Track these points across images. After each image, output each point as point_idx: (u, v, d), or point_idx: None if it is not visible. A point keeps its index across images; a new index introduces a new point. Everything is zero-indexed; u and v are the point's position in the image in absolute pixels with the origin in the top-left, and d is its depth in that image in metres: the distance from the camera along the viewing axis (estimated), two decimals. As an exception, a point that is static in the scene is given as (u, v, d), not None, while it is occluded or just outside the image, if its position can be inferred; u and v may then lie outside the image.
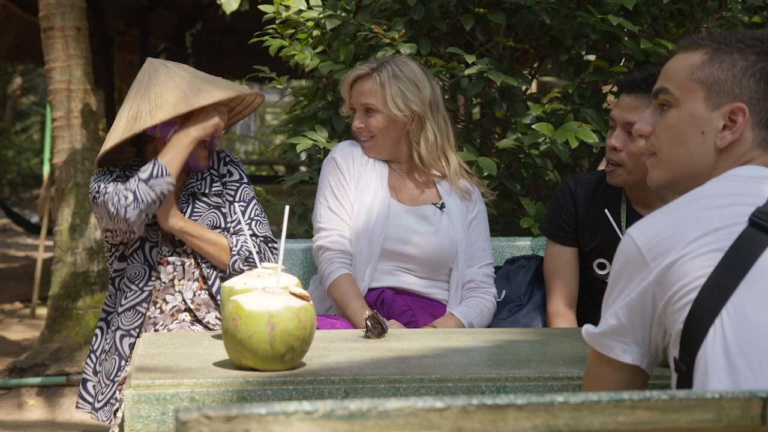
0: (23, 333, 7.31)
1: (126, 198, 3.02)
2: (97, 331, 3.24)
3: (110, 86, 11.24)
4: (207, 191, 3.24)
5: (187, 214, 3.19)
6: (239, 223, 3.22)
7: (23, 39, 10.70)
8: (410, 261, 3.24)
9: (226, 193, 3.26)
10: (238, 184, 3.29)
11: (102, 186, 3.12)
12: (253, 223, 3.25)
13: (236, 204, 3.20)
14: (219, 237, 3.18)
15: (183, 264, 3.20)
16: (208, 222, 3.21)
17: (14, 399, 5.60)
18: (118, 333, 3.14)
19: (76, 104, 5.99)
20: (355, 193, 3.26)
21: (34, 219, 13.35)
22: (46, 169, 9.02)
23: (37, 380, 5.75)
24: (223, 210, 3.24)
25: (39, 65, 12.50)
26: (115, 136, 3.08)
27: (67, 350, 5.92)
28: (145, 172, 3.04)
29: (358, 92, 3.28)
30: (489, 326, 3.27)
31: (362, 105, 3.27)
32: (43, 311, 7.22)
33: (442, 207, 3.30)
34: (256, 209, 3.29)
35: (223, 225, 3.23)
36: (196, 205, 3.22)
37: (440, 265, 3.26)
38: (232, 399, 2.05)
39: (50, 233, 6.94)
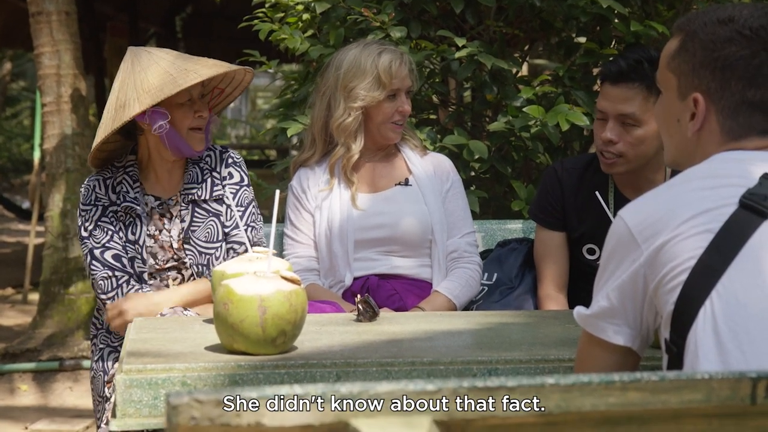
0: (15, 318, 7.30)
1: (103, 295, 3.06)
2: (93, 347, 3.19)
3: (100, 71, 11.21)
4: (207, 197, 3.16)
5: (187, 222, 3.12)
6: (236, 227, 3.16)
7: (12, 24, 10.65)
8: (386, 243, 3.25)
9: (225, 195, 3.17)
10: (237, 187, 3.19)
11: (85, 230, 3.10)
12: (248, 229, 3.17)
13: (234, 208, 3.16)
14: (204, 285, 3.08)
15: (181, 274, 3.15)
16: (206, 233, 3.13)
17: (6, 384, 5.60)
18: (107, 350, 3.11)
19: (65, 89, 5.97)
20: (314, 206, 3.29)
21: (25, 205, 13.31)
22: (36, 155, 9.00)
23: (30, 365, 5.75)
24: (222, 218, 3.16)
25: (28, 50, 12.45)
26: (104, 129, 3.01)
27: (59, 335, 5.92)
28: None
29: (402, 75, 3.26)
30: (480, 308, 3.27)
31: (408, 88, 3.28)
32: (35, 297, 7.21)
33: (406, 183, 3.32)
34: (253, 215, 3.21)
35: (220, 237, 3.15)
36: (196, 213, 3.14)
37: (417, 240, 3.26)
38: (224, 383, 2.05)
39: (41, 219, 6.93)
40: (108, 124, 3.01)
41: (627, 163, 3.09)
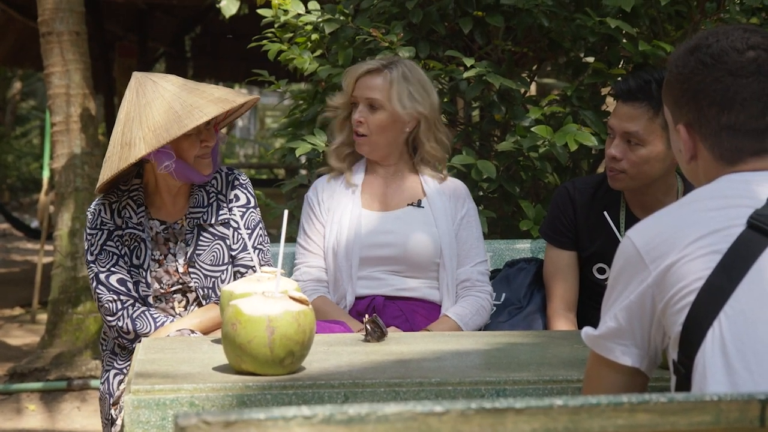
0: (23, 338, 7.31)
1: (110, 317, 3.07)
2: (101, 369, 3.21)
3: (110, 91, 11.25)
4: (213, 221, 3.15)
5: (192, 246, 3.12)
6: (244, 250, 3.17)
7: (22, 44, 10.70)
8: (392, 262, 3.24)
9: (231, 218, 3.16)
10: (244, 209, 3.18)
11: (91, 254, 3.09)
12: (256, 252, 3.16)
13: (242, 231, 3.11)
14: (213, 310, 3.09)
15: (186, 297, 3.16)
16: (212, 257, 3.13)
17: (14, 404, 5.60)
18: (112, 372, 3.12)
19: (75, 109, 6.00)
20: (326, 219, 3.30)
21: (34, 224, 13.34)
22: (45, 174, 9.03)
23: (38, 385, 5.74)
24: (228, 241, 3.16)
25: (38, 70, 12.47)
26: (110, 167, 2.99)
27: (67, 355, 5.92)
28: (142, 327, 3.04)
29: (364, 86, 3.26)
30: (488, 329, 3.27)
31: (367, 99, 3.26)
32: (43, 316, 7.22)
33: (419, 204, 3.31)
34: (260, 237, 3.20)
35: (226, 260, 3.15)
36: (201, 237, 3.13)
37: (423, 262, 3.25)
38: (232, 404, 2.05)
39: (50, 238, 6.94)
40: (114, 162, 2.99)
41: (630, 180, 3.11)
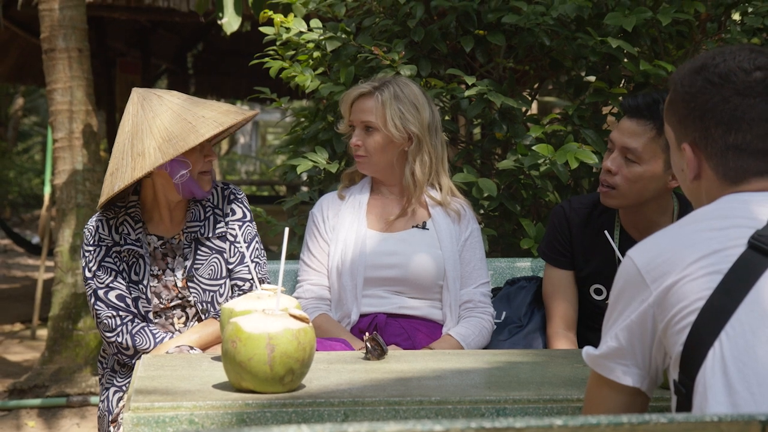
0: (23, 354, 7.30)
1: (109, 333, 3.07)
2: (101, 386, 3.21)
3: (112, 107, 11.26)
4: (210, 235, 3.17)
5: (191, 261, 3.13)
6: (240, 263, 3.18)
7: (25, 60, 10.73)
8: (396, 283, 3.25)
9: (228, 232, 3.19)
10: (240, 223, 3.20)
11: (89, 271, 3.09)
12: (252, 265, 3.16)
13: (239, 244, 3.07)
14: (212, 326, 3.10)
15: (185, 312, 3.17)
16: (210, 271, 3.15)
17: (14, 421, 5.59)
18: (112, 389, 3.12)
19: (77, 125, 6.00)
20: (331, 237, 3.30)
21: (35, 239, 13.34)
22: (47, 190, 9.03)
23: (37, 401, 5.73)
24: (225, 255, 3.18)
25: (41, 86, 12.51)
26: (122, 178, 2.97)
27: (67, 371, 5.91)
28: (142, 343, 3.05)
29: (358, 109, 3.29)
30: (488, 347, 3.26)
31: (362, 123, 3.28)
32: (43, 332, 7.21)
33: (423, 226, 3.31)
34: (257, 250, 3.22)
35: (224, 273, 3.17)
36: (199, 251, 3.15)
37: (427, 284, 3.25)
38: (232, 421, 2.05)
39: (51, 254, 6.94)
40: (126, 173, 2.97)
41: (621, 197, 3.09)
